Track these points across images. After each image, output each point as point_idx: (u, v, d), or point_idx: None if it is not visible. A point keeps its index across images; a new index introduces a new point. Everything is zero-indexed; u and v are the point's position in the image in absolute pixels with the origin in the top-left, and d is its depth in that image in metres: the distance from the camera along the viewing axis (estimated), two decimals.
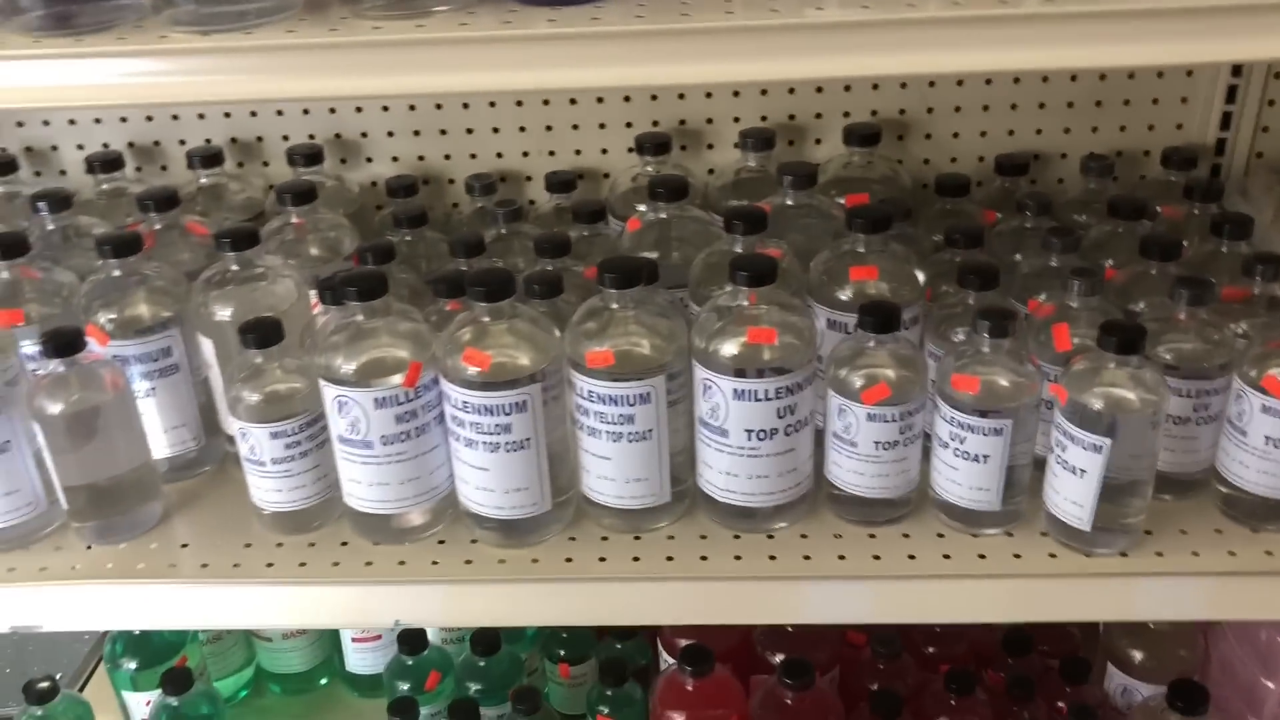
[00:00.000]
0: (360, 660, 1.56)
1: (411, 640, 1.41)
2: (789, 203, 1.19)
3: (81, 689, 1.61)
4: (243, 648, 1.59)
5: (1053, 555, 1.03)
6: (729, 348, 1.00)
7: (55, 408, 1.04)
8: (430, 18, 0.84)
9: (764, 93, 1.30)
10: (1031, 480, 1.05)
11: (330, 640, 1.59)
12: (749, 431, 1.02)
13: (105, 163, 1.31)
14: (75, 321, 1.09)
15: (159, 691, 1.38)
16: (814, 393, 1.04)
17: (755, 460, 1.03)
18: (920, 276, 1.10)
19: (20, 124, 1.35)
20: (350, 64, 0.80)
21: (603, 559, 1.06)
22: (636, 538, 1.08)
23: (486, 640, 1.39)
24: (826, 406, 1.05)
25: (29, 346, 1.10)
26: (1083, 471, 0.98)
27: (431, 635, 1.46)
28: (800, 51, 0.80)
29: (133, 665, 1.45)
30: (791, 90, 1.29)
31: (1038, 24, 0.81)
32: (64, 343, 1.04)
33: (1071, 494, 1.00)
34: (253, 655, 1.61)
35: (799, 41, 0.80)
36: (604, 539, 1.08)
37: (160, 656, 1.45)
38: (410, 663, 1.42)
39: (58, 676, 1.45)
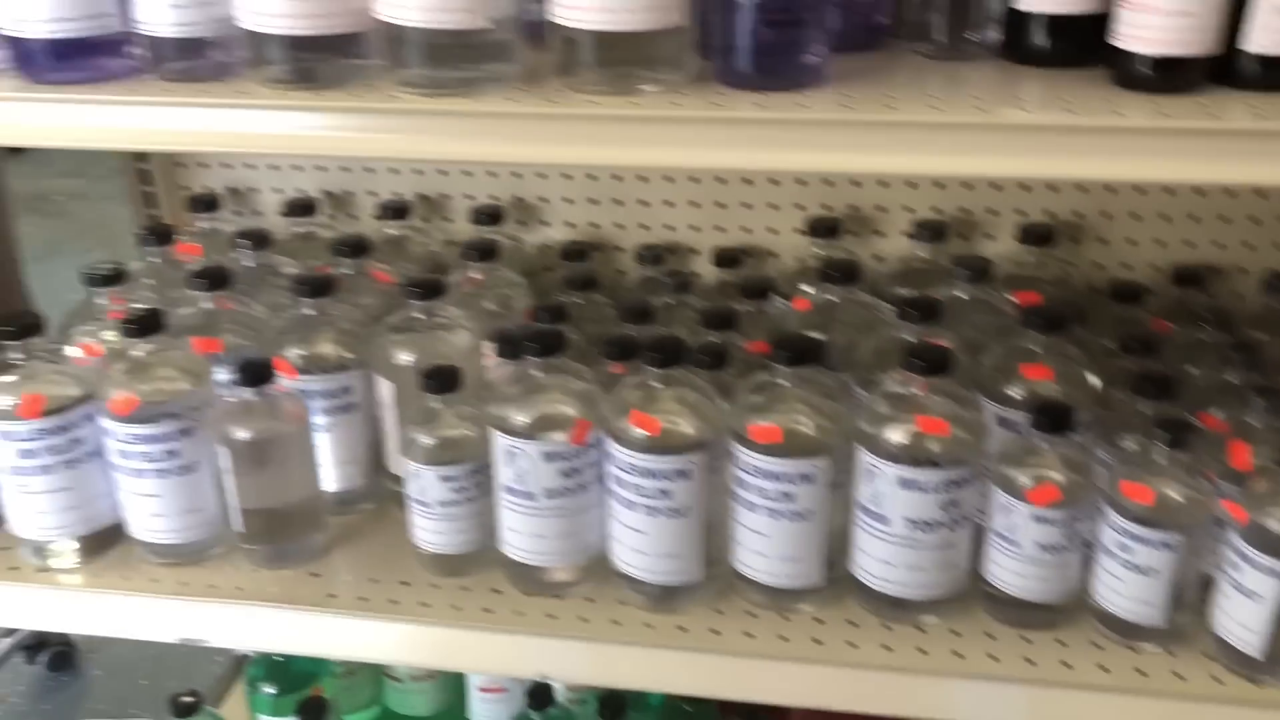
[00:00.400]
0: (484, 710, 1.58)
1: (539, 696, 1.42)
2: (960, 295, 1.19)
3: (216, 707, 1.67)
4: (370, 685, 1.63)
5: (1218, 680, 0.99)
6: (898, 435, 1.00)
7: (242, 434, 1.10)
8: (642, 96, 0.87)
9: (940, 185, 1.31)
10: (1197, 598, 1.02)
11: (456, 686, 1.61)
12: (911, 521, 1.01)
13: (301, 207, 1.39)
14: (265, 354, 1.15)
15: (295, 718, 1.41)
16: (978, 489, 1.03)
17: (914, 551, 1.03)
18: (1093, 380, 1.09)
19: (226, 165, 1.45)
20: (568, 134, 0.85)
21: (749, 634, 1.06)
22: (785, 617, 1.08)
23: (614, 705, 1.39)
24: (990, 504, 1.04)
25: (222, 374, 1.17)
26: (1259, 596, 0.95)
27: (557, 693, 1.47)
28: (1003, 151, 0.81)
29: (271, 690, 1.49)
30: (968, 185, 1.30)
31: (1246, 140, 0.81)
32: (256, 373, 1.10)
33: (1244, 618, 0.97)
34: (379, 693, 1.64)
35: (1004, 141, 0.81)
36: (751, 614, 1.08)
37: (297, 685, 1.49)
38: (536, 718, 1.43)
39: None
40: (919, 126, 0.81)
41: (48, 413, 1.11)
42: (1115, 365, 1.12)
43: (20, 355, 1.11)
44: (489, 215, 1.36)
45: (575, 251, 1.36)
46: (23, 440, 1.11)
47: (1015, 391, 1.09)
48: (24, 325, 1.10)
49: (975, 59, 0.97)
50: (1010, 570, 1.04)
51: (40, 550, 1.17)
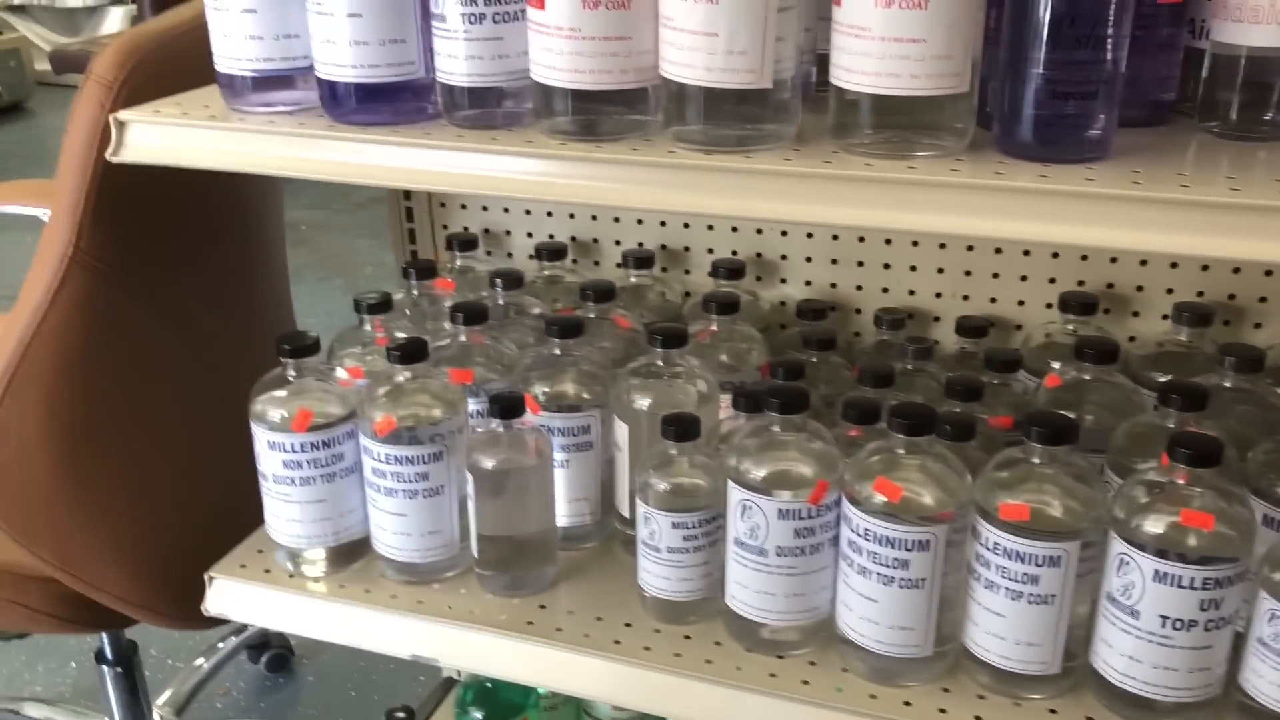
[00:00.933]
0: None
1: None
2: (1226, 384, 1.13)
3: None
4: None
5: None
6: (1157, 526, 0.96)
7: (489, 463, 1.15)
8: (918, 160, 0.88)
9: (1205, 268, 1.25)
10: None
11: None
12: (1165, 618, 0.96)
13: (551, 252, 1.45)
14: (512, 388, 1.20)
15: None
16: (1241, 591, 0.97)
17: (1166, 650, 0.97)
18: None
19: (485, 208, 1.52)
20: (844, 196, 0.85)
21: (979, 718, 1.03)
22: (1016, 703, 1.04)
23: None
24: (1254, 608, 0.97)
25: (472, 405, 1.22)
26: None
27: None
28: None
29: (479, 715, 1.54)
30: (1237, 270, 1.24)
31: None
32: (508, 406, 1.14)
33: None
34: None
35: None
36: (980, 697, 1.05)
37: (505, 713, 1.53)
38: None
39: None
40: (1218, 207, 0.78)
41: (314, 428, 1.18)
42: None
43: (294, 373, 1.19)
44: (729, 270, 1.38)
45: (812, 310, 1.36)
46: (289, 452, 1.19)
47: None
48: (302, 346, 1.18)
49: (1270, 140, 0.92)
50: (1274, 684, 0.96)
51: (293, 556, 1.24)
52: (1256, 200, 0.78)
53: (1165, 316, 1.27)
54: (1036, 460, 1.00)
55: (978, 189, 0.82)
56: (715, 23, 0.87)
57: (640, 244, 1.47)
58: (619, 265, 1.46)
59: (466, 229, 1.53)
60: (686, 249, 1.46)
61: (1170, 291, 1.27)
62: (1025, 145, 0.87)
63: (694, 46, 0.88)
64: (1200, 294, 1.26)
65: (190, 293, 1.36)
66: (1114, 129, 0.88)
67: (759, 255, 1.43)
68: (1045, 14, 0.84)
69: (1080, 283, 1.30)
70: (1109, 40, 0.85)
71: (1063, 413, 1.04)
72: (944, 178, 0.83)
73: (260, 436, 1.20)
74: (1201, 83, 0.95)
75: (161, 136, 1.07)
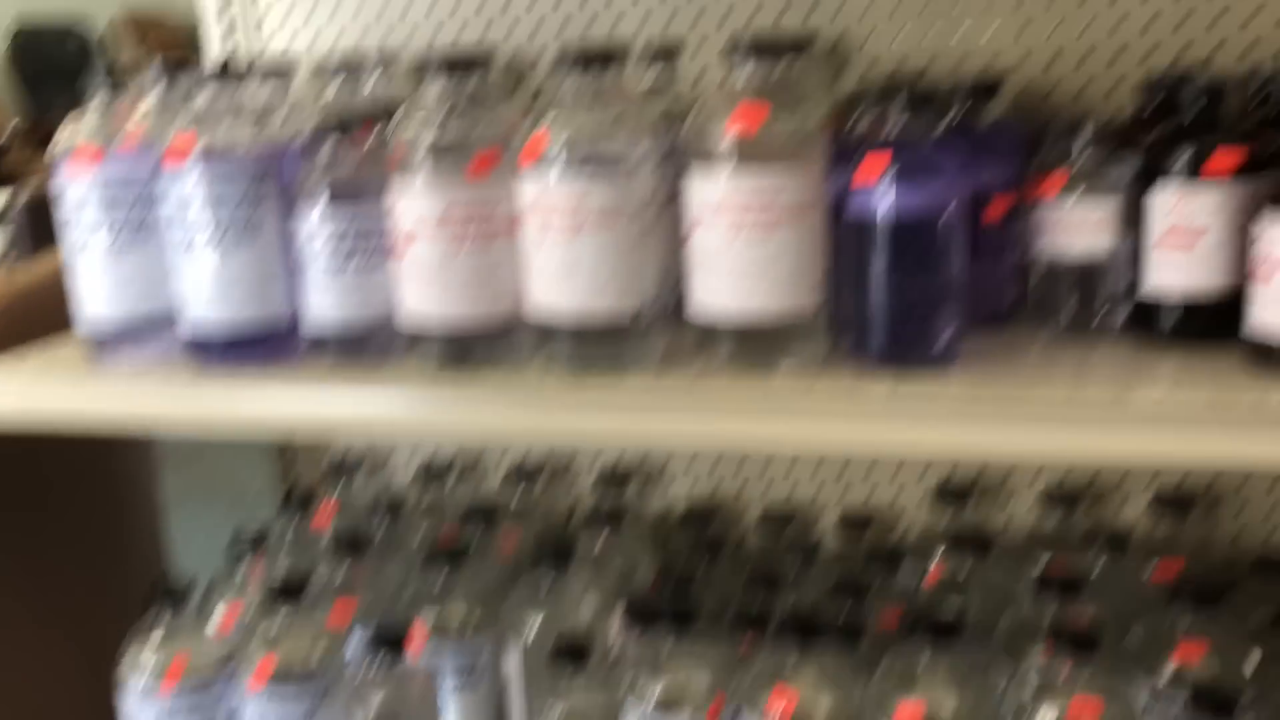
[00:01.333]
0: None
1: None
2: (1096, 567, 1.16)
3: None
4: None
5: None
6: (1046, 718, 0.96)
7: (372, 706, 1.10)
8: (776, 377, 0.91)
9: None
10: None
11: None
12: None
13: (432, 473, 1.44)
14: (397, 622, 1.17)
15: None
16: None
17: None
18: (1252, 659, 1.04)
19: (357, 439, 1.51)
20: (707, 416, 0.88)
21: None
22: None
23: None
24: None
25: (355, 641, 1.18)
26: None
27: None
28: (1141, 432, 0.82)
29: None
30: None
31: None
32: (391, 642, 1.11)
33: None
34: None
35: (1140, 423, 0.82)
36: None
37: None
38: None
39: None
40: (1057, 408, 0.82)
41: (188, 676, 1.13)
42: (1272, 642, 1.07)
43: (166, 620, 1.14)
44: (613, 479, 1.39)
45: (698, 515, 1.37)
46: (163, 708, 1.12)
47: (1167, 671, 1.04)
48: (172, 591, 1.14)
49: (1106, 338, 0.99)
50: None
51: None
52: (1095, 397, 0.83)
53: (1039, 495, 1.31)
54: (925, 660, 1.01)
55: (832, 404, 0.85)
56: (577, 259, 0.90)
57: (524, 457, 1.47)
58: (504, 479, 1.45)
59: (349, 450, 1.52)
60: (571, 458, 1.46)
61: (1040, 471, 1.32)
62: (877, 356, 0.92)
63: (556, 283, 0.91)
64: (1069, 470, 1.31)
65: (52, 545, 1.30)
66: (960, 337, 0.93)
67: (639, 463, 1.44)
68: (886, 237, 0.90)
69: (954, 467, 1.34)
70: (947, 257, 0.91)
71: (945, 609, 1.06)
72: (798, 394, 0.86)
73: (130, 692, 1.14)
74: (1035, 288, 1.02)
75: (19, 398, 1.04)
